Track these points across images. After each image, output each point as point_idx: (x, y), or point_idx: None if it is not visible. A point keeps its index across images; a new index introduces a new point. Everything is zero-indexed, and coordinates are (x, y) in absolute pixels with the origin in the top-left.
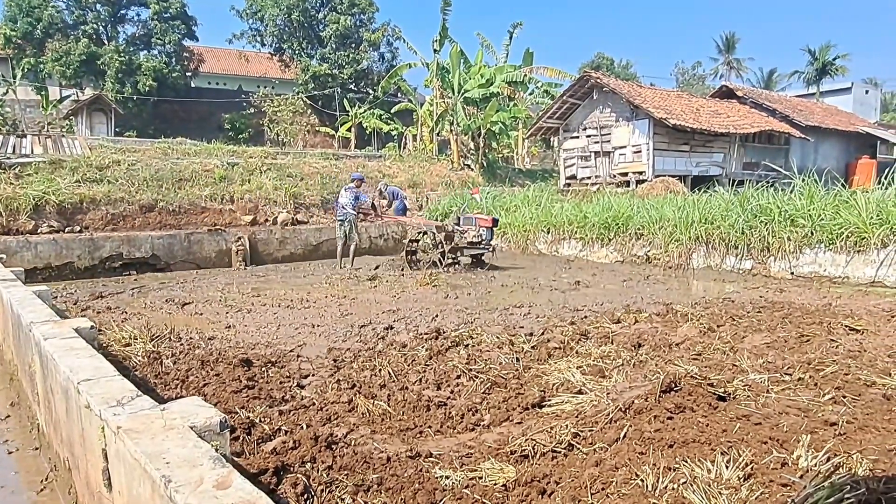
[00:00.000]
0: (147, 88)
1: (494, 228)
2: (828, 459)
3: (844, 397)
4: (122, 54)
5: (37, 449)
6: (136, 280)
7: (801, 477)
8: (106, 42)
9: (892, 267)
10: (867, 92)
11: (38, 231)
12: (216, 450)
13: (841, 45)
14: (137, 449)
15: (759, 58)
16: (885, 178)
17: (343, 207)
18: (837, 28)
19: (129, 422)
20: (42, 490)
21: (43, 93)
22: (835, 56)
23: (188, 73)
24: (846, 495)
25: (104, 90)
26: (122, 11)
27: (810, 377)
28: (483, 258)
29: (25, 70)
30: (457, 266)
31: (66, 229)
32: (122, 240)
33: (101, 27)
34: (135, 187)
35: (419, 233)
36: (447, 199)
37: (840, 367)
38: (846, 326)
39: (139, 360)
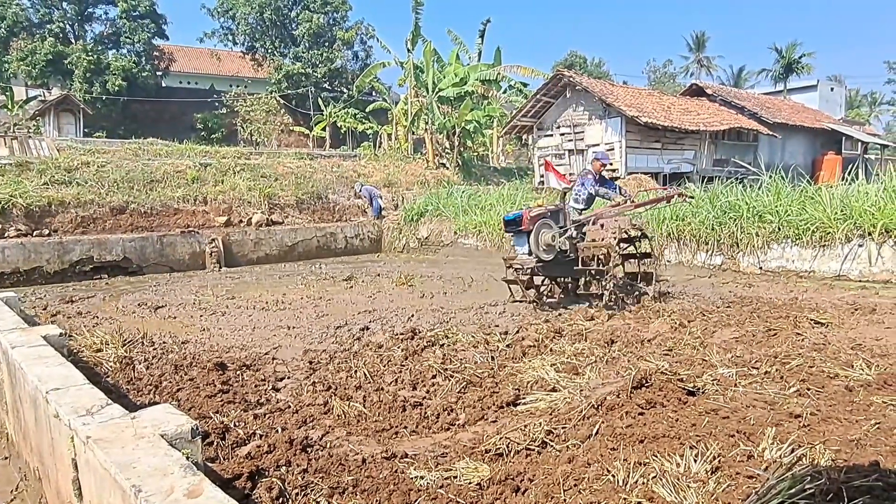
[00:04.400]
0: (116, 88)
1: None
2: (792, 451)
3: (809, 390)
4: (90, 53)
5: (6, 458)
6: (107, 284)
7: (765, 469)
8: (73, 41)
9: (855, 261)
10: (832, 89)
11: (5, 235)
12: (187, 457)
13: (807, 43)
14: (107, 458)
15: (728, 56)
16: (849, 174)
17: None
18: (803, 26)
19: (98, 431)
20: (12, 500)
21: (8, 93)
22: (801, 54)
23: (159, 73)
24: (807, 486)
25: (72, 90)
26: (90, 10)
27: (776, 370)
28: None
29: None
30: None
31: (35, 233)
32: (92, 243)
33: (67, 26)
34: (105, 189)
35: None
36: (423, 198)
37: (805, 360)
38: (812, 320)
39: (111, 366)
